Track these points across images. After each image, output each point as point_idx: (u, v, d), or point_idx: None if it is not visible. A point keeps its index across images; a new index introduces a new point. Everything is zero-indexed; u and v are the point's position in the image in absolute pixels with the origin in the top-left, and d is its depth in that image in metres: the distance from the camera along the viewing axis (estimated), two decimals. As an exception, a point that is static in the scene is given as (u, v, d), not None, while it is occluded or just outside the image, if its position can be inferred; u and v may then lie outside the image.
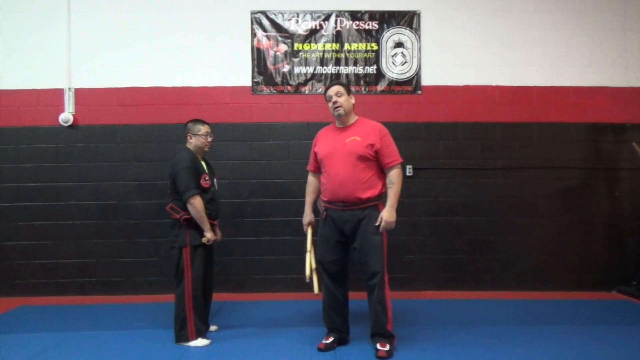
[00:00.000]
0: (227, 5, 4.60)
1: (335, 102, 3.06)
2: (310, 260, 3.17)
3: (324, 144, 3.16)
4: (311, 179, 3.32)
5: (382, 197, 3.09)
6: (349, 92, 3.14)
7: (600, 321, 3.70)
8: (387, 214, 2.99)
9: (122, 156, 4.55)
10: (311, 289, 3.12)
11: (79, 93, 4.55)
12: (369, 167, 3.01)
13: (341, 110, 3.06)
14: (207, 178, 3.27)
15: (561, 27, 4.67)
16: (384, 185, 3.09)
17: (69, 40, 4.54)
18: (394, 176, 3.04)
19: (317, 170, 3.24)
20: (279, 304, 4.20)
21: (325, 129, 3.27)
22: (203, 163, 3.36)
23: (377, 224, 2.98)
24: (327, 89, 3.15)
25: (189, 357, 3.00)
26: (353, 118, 3.15)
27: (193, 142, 3.33)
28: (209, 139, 3.38)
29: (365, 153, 2.99)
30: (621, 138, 4.67)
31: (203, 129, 3.34)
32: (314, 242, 3.23)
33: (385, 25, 4.64)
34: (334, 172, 3.03)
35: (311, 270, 3.14)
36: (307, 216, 3.29)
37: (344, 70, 4.63)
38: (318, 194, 3.25)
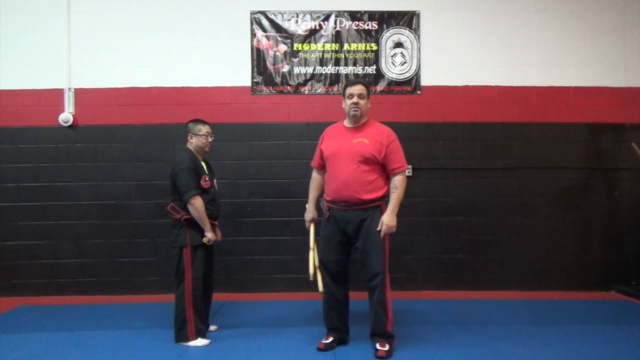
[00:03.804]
0: (227, 5, 4.60)
1: (356, 103, 3.04)
2: (313, 257, 3.16)
3: (330, 142, 3.14)
4: (315, 176, 3.31)
5: (385, 199, 3.08)
6: (368, 95, 3.12)
7: (600, 321, 3.70)
8: (387, 218, 2.98)
9: (122, 156, 4.55)
10: (314, 287, 3.12)
11: (79, 93, 4.56)
12: (374, 169, 3.01)
13: (358, 113, 3.05)
14: (207, 179, 3.27)
15: (561, 27, 4.67)
16: (389, 188, 3.09)
17: (69, 40, 4.54)
18: (399, 181, 3.03)
19: (322, 167, 3.24)
20: (279, 304, 4.20)
21: (333, 126, 3.25)
22: (203, 163, 3.36)
23: (378, 229, 2.98)
24: (350, 85, 3.11)
25: (189, 357, 3.01)
26: (363, 119, 3.13)
27: (194, 143, 3.33)
28: (210, 139, 3.38)
29: (371, 156, 2.98)
30: (621, 138, 4.67)
31: (204, 129, 3.35)
32: (316, 240, 3.23)
33: (384, 26, 4.64)
34: (338, 171, 3.03)
35: (315, 268, 3.13)
36: (310, 212, 3.29)
37: (343, 70, 4.63)
38: (321, 191, 3.25)
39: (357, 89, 3.06)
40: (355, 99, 3.04)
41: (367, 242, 3.00)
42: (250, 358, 3.00)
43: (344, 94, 3.13)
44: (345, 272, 3.15)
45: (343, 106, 3.14)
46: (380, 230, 2.99)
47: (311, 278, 3.12)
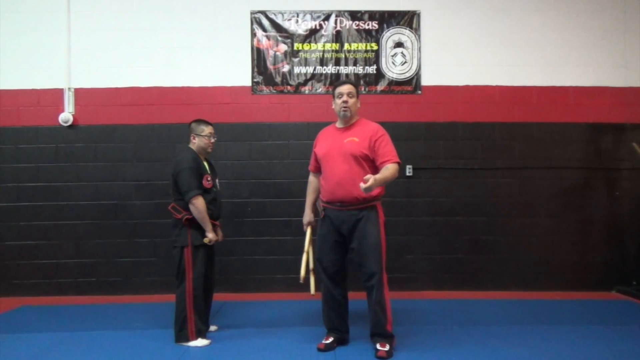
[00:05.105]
0: (227, 5, 4.60)
1: (345, 102, 3.04)
2: (307, 260, 3.17)
3: (323, 144, 3.16)
4: (312, 179, 3.32)
5: (380, 198, 3.08)
6: (357, 94, 3.13)
7: (600, 321, 3.69)
8: (371, 180, 2.73)
9: (122, 156, 4.55)
10: (309, 289, 3.12)
11: (79, 93, 4.56)
12: (367, 167, 3.00)
13: (348, 112, 3.06)
14: (209, 179, 3.27)
15: (561, 27, 4.67)
16: (383, 187, 3.08)
17: (69, 40, 4.54)
18: (390, 166, 2.94)
19: (318, 170, 3.24)
20: (279, 304, 4.19)
21: (325, 129, 3.26)
22: (205, 163, 3.35)
23: (366, 178, 2.76)
24: (338, 85, 3.12)
25: (189, 357, 3.00)
26: (354, 119, 3.14)
27: (196, 143, 3.33)
28: (212, 140, 3.38)
29: (362, 154, 2.98)
30: (621, 138, 4.67)
31: (206, 129, 3.34)
32: (312, 243, 3.23)
33: (385, 25, 4.64)
34: (331, 172, 3.03)
35: (307, 270, 3.14)
36: (307, 216, 3.30)
37: (343, 70, 4.63)
38: (318, 194, 3.25)
39: (346, 88, 3.07)
40: (344, 98, 3.04)
41: (362, 243, 2.99)
42: (250, 358, 2.99)
43: (333, 95, 3.14)
44: (342, 272, 3.15)
45: (333, 107, 3.15)
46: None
47: (301, 281, 3.12)
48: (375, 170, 3.03)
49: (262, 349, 3.13)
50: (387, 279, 3.03)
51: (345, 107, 3.05)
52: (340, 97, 3.06)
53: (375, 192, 3.01)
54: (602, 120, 4.65)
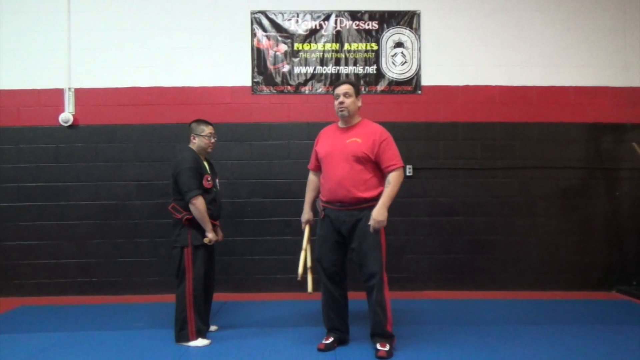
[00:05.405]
0: (227, 5, 4.60)
1: (341, 103, 3.04)
2: (304, 258, 3.17)
3: (324, 143, 3.16)
4: (311, 178, 3.32)
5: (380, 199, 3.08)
6: (357, 93, 3.11)
7: (600, 321, 3.70)
8: (376, 212, 2.93)
9: (122, 156, 4.55)
10: (305, 288, 3.13)
11: (79, 93, 4.56)
12: (368, 168, 3.01)
13: (345, 112, 3.05)
14: (209, 179, 3.27)
15: (561, 27, 4.67)
16: (384, 187, 3.09)
17: (69, 40, 4.54)
18: (393, 177, 3.00)
19: (318, 169, 3.24)
20: (279, 304, 4.20)
21: (327, 128, 3.26)
22: (205, 163, 3.36)
23: (368, 222, 2.95)
24: (337, 86, 3.12)
25: (189, 357, 3.01)
26: (357, 119, 3.14)
27: (196, 143, 3.33)
28: (212, 140, 3.38)
29: (364, 155, 2.98)
30: (621, 138, 4.67)
31: (207, 129, 3.34)
32: (310, 241, 3.23)
33: (385, 25, 4.64)
34: (332, 172, 3.03)
35: (305, 268, 3.14)
36: (306, 214, 3.29)
37: (343, 70, 4.63)
38: (318, 192, 3.25)
39: (343, 88, 3.07)
40: (341, 99, 3.04)
41: (362, 243, 3.00)
42: (250, 358, 2.99)
43: (333, 95, 3.14)
44: (342, 272, 3.15)
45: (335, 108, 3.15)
46: (371, 226, 2.97)
47: (299, 278, 3.13)
48: (375, 170, 3.04)
49: (262, 349, 3.13)
50: (387, 279, 3.04)
51: (342, 107, 3.05)
52: (337, 98, 3.07)
53: (376, 192, 3.02)
54: (602, 120, 4.65)
